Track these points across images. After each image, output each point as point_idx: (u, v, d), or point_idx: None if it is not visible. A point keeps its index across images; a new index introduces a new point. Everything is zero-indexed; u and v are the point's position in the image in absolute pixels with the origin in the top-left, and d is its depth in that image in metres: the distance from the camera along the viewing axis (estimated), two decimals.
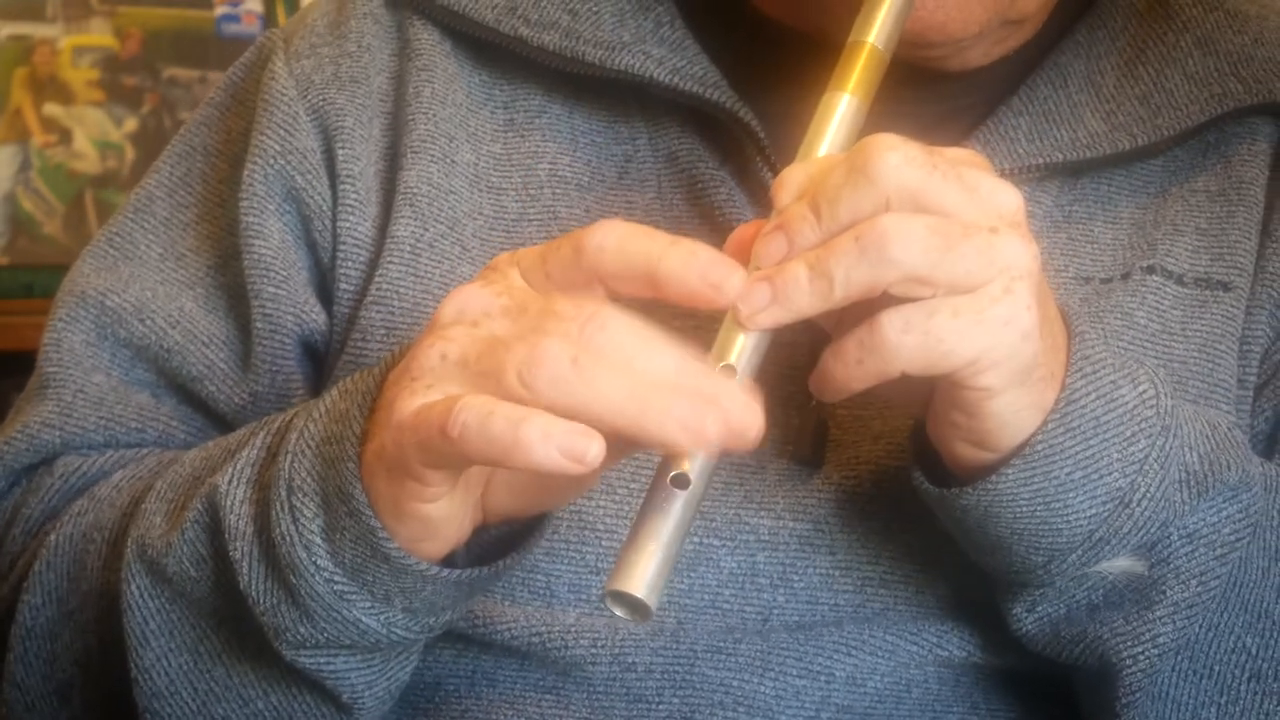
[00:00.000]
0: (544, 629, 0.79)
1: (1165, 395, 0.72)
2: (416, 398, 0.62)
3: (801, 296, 0.64)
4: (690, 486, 0.63)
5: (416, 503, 0.64)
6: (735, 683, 0.80)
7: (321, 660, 0.71)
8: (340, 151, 0.86)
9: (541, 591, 0.80)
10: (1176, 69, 0.86)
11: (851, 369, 0.66)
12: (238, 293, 0.87)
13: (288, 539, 0.68)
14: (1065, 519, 0.71)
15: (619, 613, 0.64)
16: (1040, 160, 0.83)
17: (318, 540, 0.68)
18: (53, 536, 0.81)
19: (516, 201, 0.86)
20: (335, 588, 0.68)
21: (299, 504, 0.68)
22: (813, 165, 0.68)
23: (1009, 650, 0.80)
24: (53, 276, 1.51)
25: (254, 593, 0.70)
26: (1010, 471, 0.69)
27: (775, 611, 0.79)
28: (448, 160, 0.85)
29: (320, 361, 0.87)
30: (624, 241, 0.63)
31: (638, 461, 0.79)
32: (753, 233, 0.67)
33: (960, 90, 0.86)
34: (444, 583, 0.68)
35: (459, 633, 0.80)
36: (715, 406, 0.59)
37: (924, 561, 0.80)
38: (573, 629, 0.79)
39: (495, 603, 0.80)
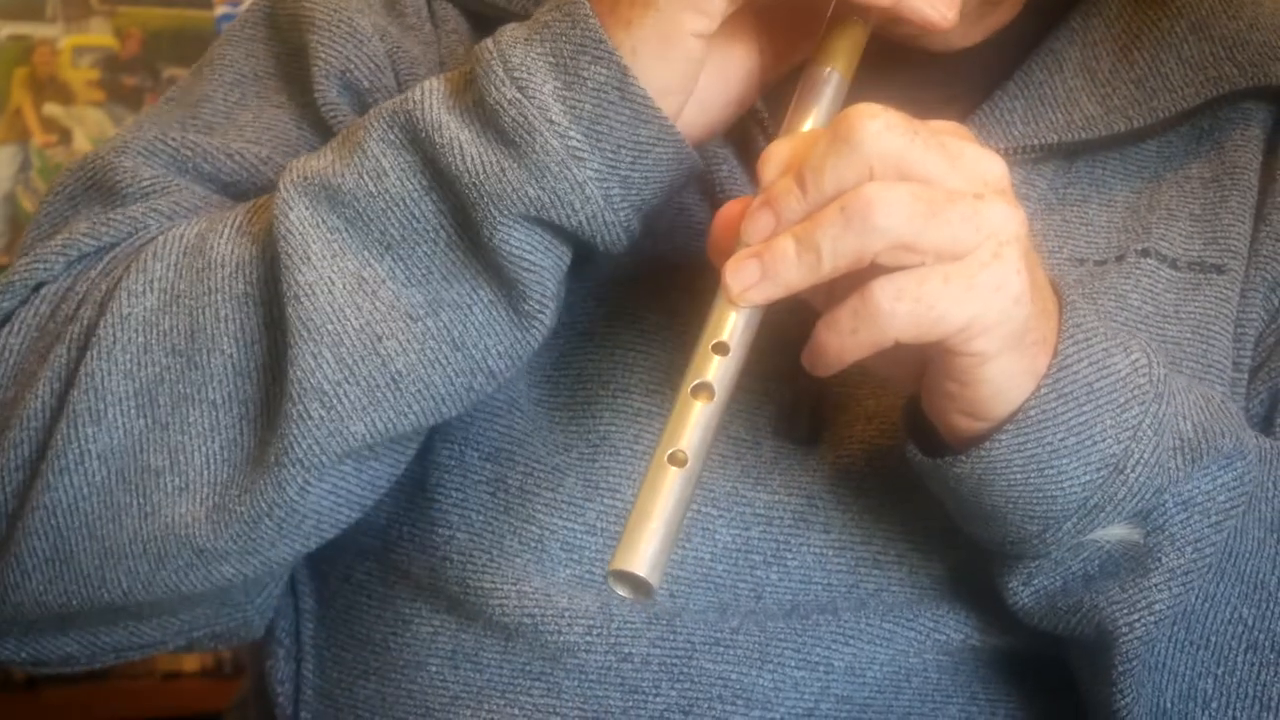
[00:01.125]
0: (537, 610, 0.79)
1: (1158, 364, 0.73)
2: None
3: (790, 270, 0.65)
4: (687, 464, 0.64)
5: (680, 34, 0.69)
6: (734, 675, 0.80)
7: (527, 245, 0.71)
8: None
9: (533, 544, 0.80)
10: (1171, 53, 0.86)
11: (846, 339, 0.66)
12: None
13: (518, 102, 0.69)
14: (1059, 485, 0.71)
15: (621, 592, 0.64)
16: (1036, 141, 0.84)
17: (550, 100, 0.69)
18: (154, 242, 0.76)
19: None
20: (569, 143, 0.69)
21: (522, 76, 0.70)
22: (797, 139, 0.69)
23: (1006, 630, 0.80)
24: None
25: (475, 165, 0.70)
26: (1004, 438, 0.69)
27: (768, 589, 0.79)
28: None
29: None
30: None
31: (640, 424, 0.80)
32: (740, 210, 0.68)
33: (954, 77, 0.86)
34: (672, 144, 0.71)
35: (450, 596, 0.81)
36: None
37: (918, 542, 0.80)
38: (567, 612, 0.79)
39: (485, 555, 0.80)
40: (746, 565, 0.79)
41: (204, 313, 0.73)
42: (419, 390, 0.72)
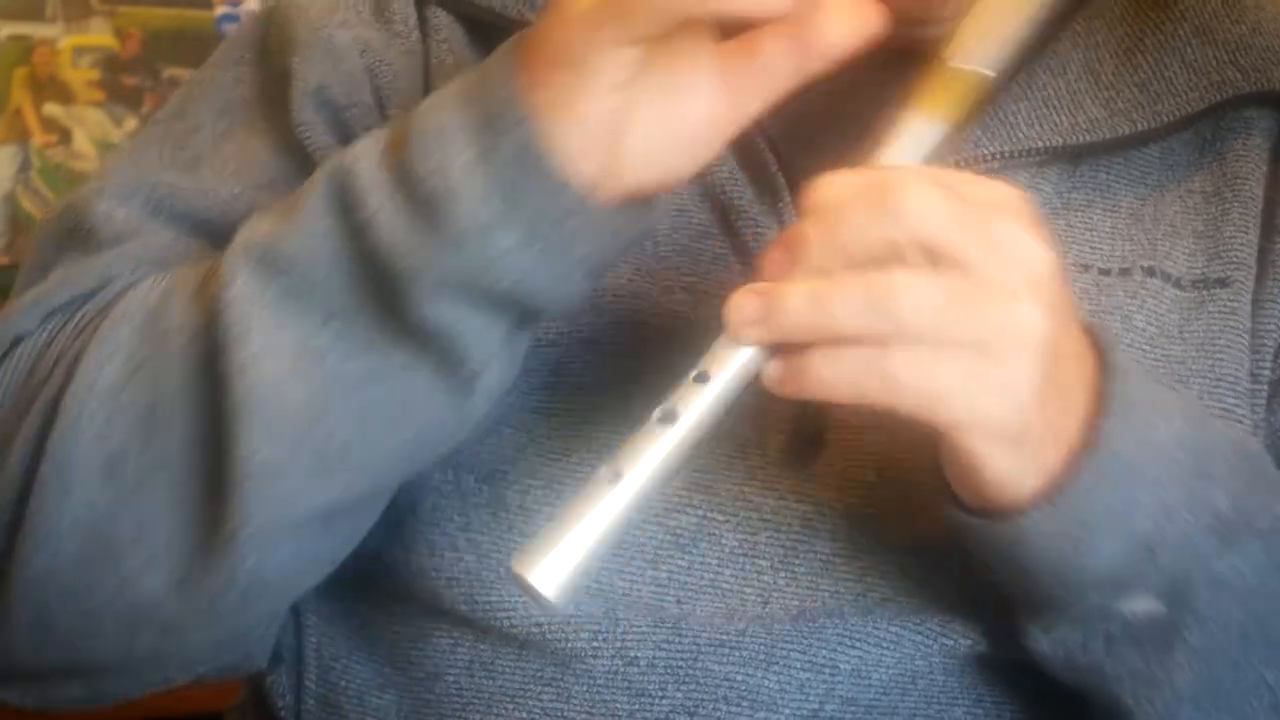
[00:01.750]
0: (544, 619, 0.79)
1: (1199, 425, 0.72)
2: None
3: (795, 323, 0.65)
4: (620, 483, 0.63)
5: (593, 90, 0.65)
6: (739, 676, 0.80)
7: (456, 315, 0.68)
8: (393, 112, 0.84)
9: None
10: (1175, 57, 0.86)
11: (826, 376, 0.65)
12: None
13: (437, 172, 0.66)
14: (1089, 559, 0.70)
15: (526, 594, 0.63)
16: (1040, 144, 0.83)
17: (467, 170, 0.66)
18: (123, 300, 0.75)
19: None
20: (486, 213, 0.66)
21: (442, 145, 0.66)
22: (863, 175, 0.67)
23: (1014, 642, 0.79)
24: None
25: (393, 238, 0.67)
26: (1036, 513, 0.68)
27: (775, 595, 0.79)
28: None
29: None
30: None
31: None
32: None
33: None
34: (589, 210, 0.67)
35: (459, 615, 0.81)
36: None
37: (926, 552, 0.79)
38: (573, 620, 0.79)
39: (491, 574, 0.80)
40: (754, 571, 0.79)
41: (162, 383, 0.72)
42: (365, 461, 0.71)
